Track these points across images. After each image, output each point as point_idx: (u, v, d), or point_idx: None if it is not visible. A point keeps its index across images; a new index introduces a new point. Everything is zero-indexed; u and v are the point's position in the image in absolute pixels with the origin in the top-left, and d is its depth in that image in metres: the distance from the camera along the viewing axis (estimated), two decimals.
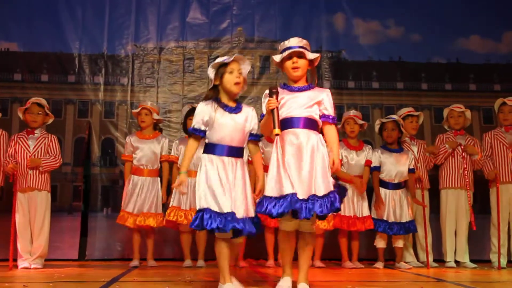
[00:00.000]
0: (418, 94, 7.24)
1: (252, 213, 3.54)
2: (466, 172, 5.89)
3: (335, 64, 6.81)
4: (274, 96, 3.56)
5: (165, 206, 5.80)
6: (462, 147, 5.94)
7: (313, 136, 3.60)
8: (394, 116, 5.88)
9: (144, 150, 5.78)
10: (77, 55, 6.77)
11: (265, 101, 3.65)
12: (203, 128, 3.60)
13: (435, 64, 7.24)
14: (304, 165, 3.51)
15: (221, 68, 3.64)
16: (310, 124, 3.63)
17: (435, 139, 6.22)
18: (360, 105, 6.96)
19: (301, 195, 3.44)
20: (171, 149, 5.91)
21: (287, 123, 3.62)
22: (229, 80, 3.62)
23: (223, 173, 3.50)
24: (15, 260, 5.41)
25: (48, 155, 5.55)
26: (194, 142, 3.65)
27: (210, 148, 3.59)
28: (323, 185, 3.49)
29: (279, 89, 3.71)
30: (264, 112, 3.68)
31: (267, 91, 3.66)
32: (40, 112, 5.58)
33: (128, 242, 5.97)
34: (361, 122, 5.87)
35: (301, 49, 3.69)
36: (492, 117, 6.33)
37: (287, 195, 3.44)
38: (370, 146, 5.97)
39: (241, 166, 3.60)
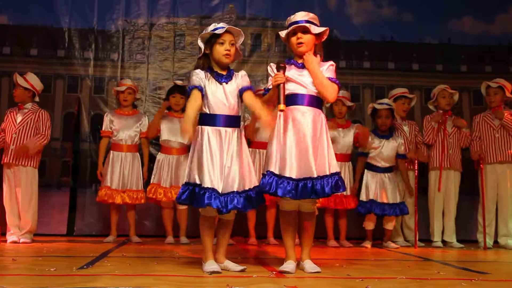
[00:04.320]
0: (409, 75, 7.21)
1: (249, 186, 3.51)
2: (452, 152, 5.95)
3: (327, 43, 6.78)
4: (281, 71, 3.53)
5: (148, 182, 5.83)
6: (451, 118, 5.96)
7: (318, 115, 3.60)
8: (387, 101, 5.86)
9: (123, 126, 5.83)
10: (67, 29, 6.69)
11: (271, 74, 3.62)
12: (202, 85, 3.53)
13: (427, 45, 7.21)
14: (307, 144, 3.52)
15: (213, 38, 3.60)
16: (315, 102, 3.63)
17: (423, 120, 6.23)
18: (350, 84, 6.94)
19: (297, 176, 3.48)
20: None
21: (292, 100, 3.60)
22: (219, 51, 3.58)
23: (217, 146, 3.47)
24: (4, 234, 5.42)
25: (36, 130, 5.51)
26: (197, 95, 3.52)
27: (205, 119, 3.55)
28: (326, 166, 3.52)
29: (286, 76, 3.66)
30: (269, 85, 3.65)
31: (272, 64, 3.64)
32: (18, 88, 5.53)
33: (119, 218, 5.95)
34: (350, 104, 5.86)
35: (305, 24, 3.65)
36: (482, 99, 6.35)
37: (287, 177, 3.48)
38: (358, 124, 5.98)
39: (238, 136, 3.57)
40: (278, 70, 3.55)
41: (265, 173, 3.55)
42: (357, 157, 5.85)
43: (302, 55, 3.70)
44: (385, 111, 5.76)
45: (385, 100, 5.90)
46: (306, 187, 3.46)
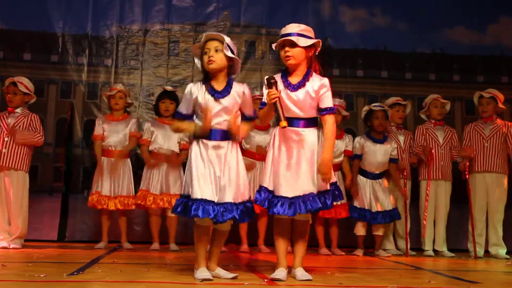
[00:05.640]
0: (402, 84, 7.25)
1: (243, 198, 3.52)
2: (444, 163, 5.96)
3: (320, 52, 6.81)
4: (274, 87, 3.48)
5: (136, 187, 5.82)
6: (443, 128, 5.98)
7: (313, 134, 3.61)
8: (381, 104, 5.90)
9: (113, 132, 5.80)
10: (61, 34, 6.69)
11: (265, 92, 3.57)
12: (185, 112, 3.56)
13: (420, 54, 7.25)
14: (301, 164, 3.54)
15: (201, 50, 3.61)
16: (310, 122, 3.63)
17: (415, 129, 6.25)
18: (344, 93, 6.96)
19: (291, 194, 3.50)
20: (140, 128, 5.92)
21: (287, 121, 3.56)
22: (204, 60, 3.57)
23: (212, 157, 3.47)
24: None
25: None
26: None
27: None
28: (316, 184, 3.54)
29: (278, 77, 3.63)
30: (264, 99, 3.62)
31: (268, 77, 3.57)
32: (15, 92, 5.51)
33: (110, 224, 5.92)
34: (345, 113, 5.87)
35: (293, 38, 3.58)
36: (474, 108, 6.38)
37: (278, 196, 3.51)
38: (350, 136, 5.98)
39: (235, 149, 3.57)
40: (270, 87, 3.49)
41: (260, 187, 3.60)
42: (352, 160, 5.86)
43: (292, 68, 3.66)
44: (382, 113, 5.78)
45: (379, 103, 5.92)
46: (299, 204, 3.49)
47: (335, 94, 5.95)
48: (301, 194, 3.50)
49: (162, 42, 6.90)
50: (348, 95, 7.04)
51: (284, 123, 3.43)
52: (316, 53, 3.74)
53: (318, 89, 3.62)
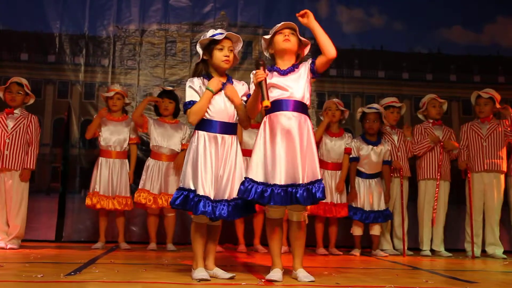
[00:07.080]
0: (399, 84, 7.26)
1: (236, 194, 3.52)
2: (442, 164, 5.95)
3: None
4: (261, 68, 3.50)
5: (134, 187, 5.81)
6: (441, 144, 5.97)
7: (304, 121, 3.59)
8: (376, 106, 5.90)
9: (112, 132, 5.80)
10: (58, 34, 6.68)
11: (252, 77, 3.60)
12: (199, 97, 3.58)
13: (417, 54, 7.27)
14: (296, 150, 3.50)
15: (212, 44, 3.63)
16: (301, 107, 3.62)
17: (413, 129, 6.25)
18: (341, 93, 6.97)
19: (286, 182, 3.46)
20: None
21: (277, 106, 3.58)
22: (218, 56, 3.62)
23: (212, 152, 3.49)
24: None
25: (27, 135, 5.49)
26: None
27: (202, 124, 3.57)
28: (310, 173, 3.51)
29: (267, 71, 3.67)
30: (251, 92, 3.63)
31: (254, 72, 3.60)
32: (19, 92, 5.52)
33: (107, 224, 5.92)
34: (343, 108, 5.89)
35: (293, 27, 3.69)
36: (471, 108, 6.39)
37: (273, 184, 3.45)
38: (350, 134, 6.00)
39: (234, 144, 3.59)
40: (257, 67, 3.52)
41: (244, 179, 3.53)
42: (350, 163, 5.85)
43: (287, 51, 3.69)
44: (373, 115, 5.80)
45: (375, 105, 5.94)
46: (294, 193, 3.44)
47: (332, 94, 5.94)
48: (296, 182, 3.45)
49: (159, 42, 6.89)
50: (345, 95, 7.05)
51: (266, 102, 3.40)
52: (303, 55, 3.81)
53: (304, 65, 3.69)
